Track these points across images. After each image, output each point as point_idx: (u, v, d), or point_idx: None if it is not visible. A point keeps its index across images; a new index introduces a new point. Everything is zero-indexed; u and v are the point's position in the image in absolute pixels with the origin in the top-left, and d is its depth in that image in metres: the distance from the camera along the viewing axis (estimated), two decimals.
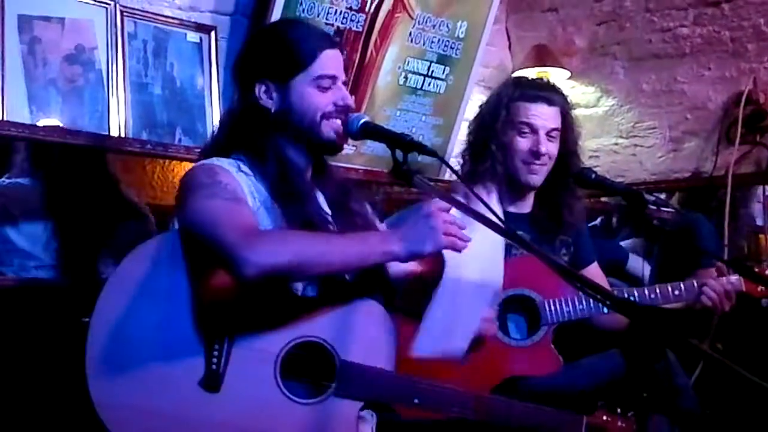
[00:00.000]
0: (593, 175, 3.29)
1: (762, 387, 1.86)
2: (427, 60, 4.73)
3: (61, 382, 2.60)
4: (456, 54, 4.82)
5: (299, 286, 2.41)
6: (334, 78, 2.52)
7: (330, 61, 2.51)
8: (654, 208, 4.45)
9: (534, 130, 3.12)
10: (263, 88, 2.52)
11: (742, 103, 4.53)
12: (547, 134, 3.14)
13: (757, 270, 3.15)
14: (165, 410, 2.24)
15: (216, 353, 2.28)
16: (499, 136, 3.13)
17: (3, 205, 3.68)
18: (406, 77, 4.69)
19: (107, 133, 3.67)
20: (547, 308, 3.05)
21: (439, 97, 4.83)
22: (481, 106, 3.32)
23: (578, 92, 5.16)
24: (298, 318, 2.37)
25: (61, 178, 3.79)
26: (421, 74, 4.73)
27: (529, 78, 3.40)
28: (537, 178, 3.16)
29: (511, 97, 3.17)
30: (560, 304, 3.05)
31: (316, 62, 2.49)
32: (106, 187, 3.93)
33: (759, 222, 5.07)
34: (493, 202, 3.11)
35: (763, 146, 4.56)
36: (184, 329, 2.28)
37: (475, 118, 3.31)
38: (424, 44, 4.68)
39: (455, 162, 4.65)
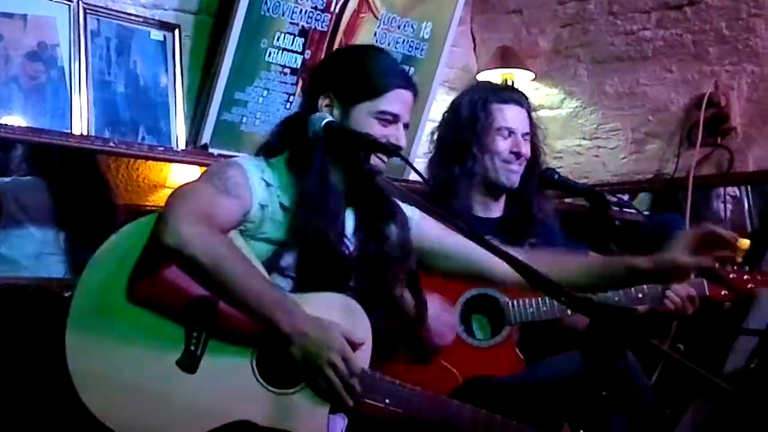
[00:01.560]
0: (556, 176, 3.32)
1: (720, 387, 1.89)
2: None
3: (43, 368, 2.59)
4: (421, 54, 4.83)
5: (276, 279, 2.41)
6: (396, 117, 2.54)
7: (400, 100, 2.53)
8: (616, 209, 4.50)
9: (512, 132, 3.15)
10: (326, 101, 2.54)
11: (704, 106, 4.58)
12: (523, 136, 3.17)
13: (734, 274, 3.16)
14: (140, 384, 2.26)
15: (195, 336, 2.30)
16: (480, 138, 3.15)
17: None
18: None
19: (69, 131, 3.64)
20: (511, 308, 3.06)
21: None
22: (451, 110, 3.31)
23: (542, 94, 5.19)
24: None
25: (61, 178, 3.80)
26: None
27: (494, 82, 3.44)
28: (515, 178, 3.19)
29: (485, 99, 3.18)
30: (524, 305, 3.06)
31: (386, 96, 2.51)
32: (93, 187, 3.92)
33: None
34: (476, 204, 3.15)
35: (723, 148, 4.61)
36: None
37: (448, 121, 3.29)
38: (389, 44, 4.68)
39: (420, 162, 4.67)
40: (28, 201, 3.73)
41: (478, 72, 5.33)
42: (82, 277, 2.30)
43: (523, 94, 3.30)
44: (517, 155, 3.14)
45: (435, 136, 3.37)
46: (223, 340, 2.34)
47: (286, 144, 2.58)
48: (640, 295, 3.12)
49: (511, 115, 3.17)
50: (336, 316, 2.40)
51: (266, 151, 2.60)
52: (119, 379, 2.24)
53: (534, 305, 3.06)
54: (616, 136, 5.07)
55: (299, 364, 2.32)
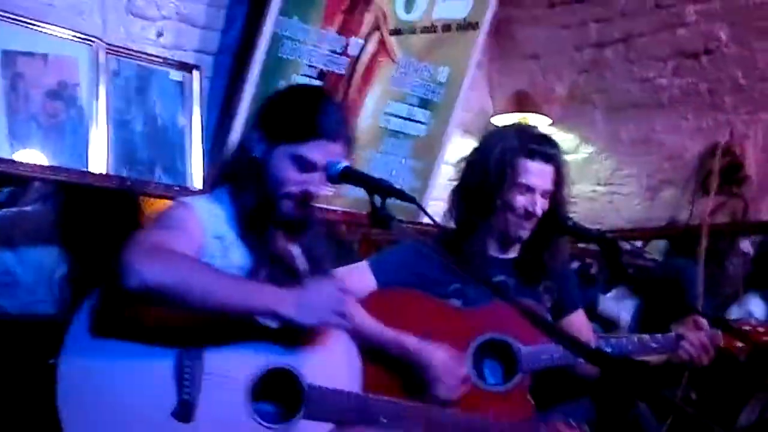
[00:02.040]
0: (569, 222, 3.31)
1: None
2: (408, 104, 4.78)
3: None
4: (437, 98, 4.87)
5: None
6: (314, 166, 2.52)
7: (322, 149, 2.51)
8: (630, 256, 4.50)
9: (531, 189, 3.13)
10: (256, 135, 2.56)
11: (719, 154, 4.58)
12: (542, 193, 3.15)
13: (748, 327, 3.15)
14: None
15: (187, 382, 2.29)
16: (504, 194, 3.14)
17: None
18: (387, 120, 4.73)
19: (87, 169, 3.68)
20: (525, 355, 3.05)
21: (419, 141, 4.87)
22: (480, 154, 3.27)
23: (557, 139, 5.13)
24: (266, 346, 2.39)
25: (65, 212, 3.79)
26: (402, 117, 4.78)
27: (529, 128, 3.40)
28: (525, 233, 3.16)
29: (514, 152, 3.15)
30: (537, 352, 3.05)
31: (308, 144, 2.50)
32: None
33: None
34: (491, 246, 3.15)
35: (738, 197, 4.60)
36: (154, 358, 2.29)
37: (475, 168, 3.25)
38: (406, 88, 4.73)
39: (433, 204, 4.68)
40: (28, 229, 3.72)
41: (493, 116, 5.36)
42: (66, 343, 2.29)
43: (556, 147, 3.26)
44: (529, 215, 3.13)
45: (460, 169, 3.35)
46: (214, 383, 2.32)
47: (224, 175, 2.62)
48: (654, 344, 3.10)
49: (533, 173, 3.14)
50: (324, 345, 2.44)
51: (214, 180, 2.65)
52: None
53: (548, 352, 3.04)
54: (630, 182, 5.08)
55: (310, 327, 2.36)
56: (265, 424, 2.36)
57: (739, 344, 3.10)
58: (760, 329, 3.10)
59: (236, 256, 2.47)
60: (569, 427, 2.68)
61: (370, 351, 2.85)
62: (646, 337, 3.10)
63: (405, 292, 3.04)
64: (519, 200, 3.11)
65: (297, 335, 2.41)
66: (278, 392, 2.40)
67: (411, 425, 2.54)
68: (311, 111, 2.53)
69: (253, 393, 2.36)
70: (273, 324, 2.39)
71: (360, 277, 3.07)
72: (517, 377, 3.02)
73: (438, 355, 2.84)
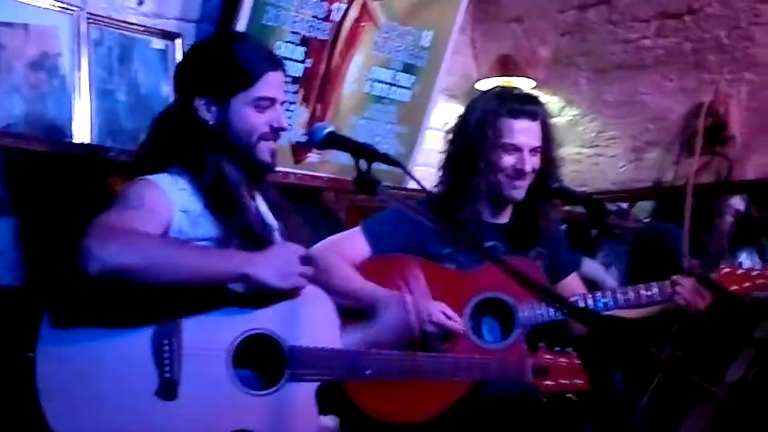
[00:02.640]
0: (555, 184, 3.31)
1: (717, 397, 1.90)
2: (392, 69, 4.76)
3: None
4: (421, 63, 4.85)
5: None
6: (273, 100, 2.55)
7: (272, 83, 2.54)
8: (616, 217, 4.52)
9: (518, 149, 3.13)
10: (203, 101, 2.53)
11: (703, 115, 4.60)
12: (530, 151, 3.15)
13: (728, 269, 3.17)
14: (127, 427, 2.24)
15: (167, 360, 2.28)
16: (487, 155, 3.13)
17: None
18: (371, 86, 4.72)
19: (71, 139, 3.66)
20: (521, 311, 3.06)
21: (404, 106, 4.86)
22: (463, 119, 3.28)
23: (542, 102, 5.19)
24: (240, 312, 2.39)
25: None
26: (386, 83, 4.76)
27: (510, 89, 3.39)
28: (520, 193, 3.16)
29: (495, 113, 3.15)
30: (534, 308, 3.06)
31: (258, 83, 2.51)
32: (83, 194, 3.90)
33: None
34: (484, 210, 3.15)
35: (722, 157, 4.62)
36: (130, 341, 2.28)
37: (459, 133, 3.25)
38: (389, 53, 4.71)
39: (420, 170, 4.68)
40: None
41: (478, 80, 5.35)
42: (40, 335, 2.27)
43: (538, 103, 3.26)
44: (520, 173, 3.13)
45: (447, 139, 3.35)
46: (194, 356, 2.32)
47: (175, 152, 2.55)
48: (649, 293, 3.11)
49: (518, 131, 3.14)
50: (301, 305, 2.44)
51: (156, 160, 2.56)
52: (108, 428, 2.22)
53: (544, 307, 3.06)
54: (615, 144, 5.09)
55: (278, 288, 2.35)
56: (252, 391, 2.36)
57: (734, 287, 3.11)
58: (739, 272, 3.12)
59: (205, 228, 2.45)
60: (553, 352, 2.71)
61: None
62: (640, 287, 3.12)
63: (399, 257, 3.05)
64: (506, 160, 3.11)
65: (269, 298, 2.40)
66: (260, 358, 2.40)
67: (397, 373, 2.56)
68: (245, 53, 2.54)
69: (235, 361, 2.35)
70: (240, 288, 2.39)
71: (353, 243, 3.08)
72: (515, 333, 3.03)
73: (438, 307, 2.88)
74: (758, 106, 4.58)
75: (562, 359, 2.68)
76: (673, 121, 4.85)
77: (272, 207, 2.65)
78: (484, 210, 3.18)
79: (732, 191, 4.70)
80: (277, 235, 2.58)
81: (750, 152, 4.61)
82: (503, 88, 3.51)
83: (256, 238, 2.49)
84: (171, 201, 2.43)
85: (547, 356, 2.69)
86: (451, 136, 3.28)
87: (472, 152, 3.13)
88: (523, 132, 3.12)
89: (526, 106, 3.15)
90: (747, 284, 3.14)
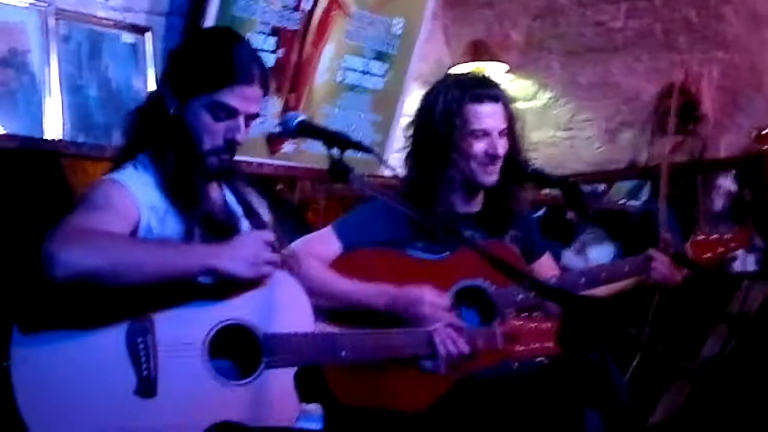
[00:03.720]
0: (530, 168, 3.32)
1: (697, 375, 1.92)
2: (364, 57, 4.76)
3: None
4: (393, 50, 4.85)
5: None
6: (234, 111, 2.45)
7: (238, 95, 2.44)
8: (592, 198, 4.54)
9: (487, 133, 3.12)
10: (168, 92, 2.48)
11: (675, 94, 4.62)
12: (499, 133, 3.15)
13: (702, 236, 3.19)
14: (109, 428, 2.22)
15: (143, 358, 2.27)
16: (458, 144, 3.12)
17: None
18: (343, 75, 4.71)
19: (43, 136, 3.64)
20: (499, 297, 3.07)
21: (377, 94, 4.86)
22: (426, 111, 3.26)
23: (516, 86, 5.22)
24: (211, 303, 2.37)
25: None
26: (358, 71, 4.76)
27: (468, 75, 3.39)
28: (493, 178, 3.15)
29: (459, 101, 3.14)
30: (512, 292, 3.06)
31: (221, 91, 2.42)
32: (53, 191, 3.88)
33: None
34: (456, 201, 3.15)
35: (695, 136, 4.65)
36: (104, 341, 2.26)
37: (422, 122, 3.24)
38: (361, 41, 4.71)
39: (396, 157, 4.68)
40: None
41: (451, 66, 5.35)
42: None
43: (498, 86, 3.26)
44: (493, 157, 3.12)
45: (409, 133, 3.34)
46: (170, 352, 2.31)
47: (141, 137, 2.51)
48: (626, 268, 3.13)
49: (485, 115, 3.13)
50: (272, 292, 2.42)
51: (128, 151, 2.53)
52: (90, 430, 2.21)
53: (522, 291, 3.06)
54: (589, 126, 5.12)
55: (246, 278, 2.33)
56: (230, 382, 2.35)
57: (707, 255, 3.13)
58: (712, 237, 3.15)
59: (172, 224, 2.42)
60: (522, 317, 2.72)
61: (354, 313, 2.88)
62: (617, 262, 3.15)
63: (372, 251, 3.04)
64: (478, 146, 3.10)
65: (239, 287, 2.38)
66: (235, 348, 2.39)
67: (372, 352, 2.56)
68: (221, 56, 2.45)
69: (211, 353, 2.34)
70: (208, 280, 2.36)
71: (324, 241, 3.06)
72: (496, 321, 3.03)
73: (425, 289, 2.88)
74: (729, 85, 4.61)
75: (531, 323, 2.67)
76: (646, 101, 4.88)
77: (240, 200, 2.62)
78: (457, 200, 3.17)
79: (705, 170, 4.73)
80: (244, 223, 2.55)
81: (722, 130, 4.65)
82: (460, 74, 3.50)
83: (219, 228, 2.46)
84: (137, 199, 2.40)
85: (516, 322, 2.68)
86: (414, 128, 3.26)
87: (440, 143, 3.11)
88: (490, 116, 3.11)
89: (488, 90, 3.15)
90: (721, 249, 3.17)
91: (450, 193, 3.13)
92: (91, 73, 3.87)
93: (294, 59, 4.48)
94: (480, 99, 3.11)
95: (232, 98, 2.43)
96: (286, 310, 2.47)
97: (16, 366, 2.20)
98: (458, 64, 5.23)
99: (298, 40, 4.46)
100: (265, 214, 2.64)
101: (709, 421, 2.95)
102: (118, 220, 2.34)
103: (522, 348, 2.65)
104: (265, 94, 2.54)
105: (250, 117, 2.50)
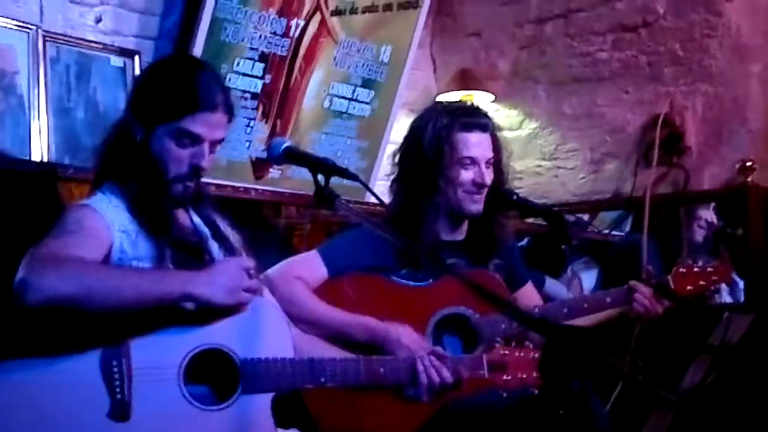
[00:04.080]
0: (514, 196, 3.33)
1: (677, 405, 1.93)
2: (352, 84, 4.78)
3: None
4: (381, 78, 4.88)
5: None
6: (197, 137, 2.45)
7: (201, 122, 2.44)
8: (577, 229, 4.56)
9: (475, 162, 3.13)
10: (132, 119, 2.49)
11: (659, 126, 4.66)
12: (486, 163, 3.16)
13: (684, 268, 3.22)
14: None
15: (117, 382, 2.26)
16: (445, 172, 3.13)
17: None
18: (331, 101, 4.73)
19: (29, 157, 3.64)
20: (483, 326, 3.07)
21: (364, 121, 4.88)
22: (414, 138, 3.25)
23: (502, 115, 5.24)
24: (189, 329, 2.36)
25: None
26: (346, 98, 4.78)
27: (457, 104, 3.41)
28: (479, 207, 3.16)
29: (448, 128, 3.15)
30: (496, 321, 3.06)
31: (185, 119, 2.43)
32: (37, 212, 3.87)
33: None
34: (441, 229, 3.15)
35: (679, 167, 4.68)
36: (78, 365, 2.25)
37: (411, 149, 3.25)
38: (348, 68, 4.73)
39: (381, 184, 4.69)
40: None
41: (438, 94, 5.38)
42: None
43: (487, 116, 3.27)
44: (480, 186, 3.13)
45: (396, 159, 3.34)
46: (145, 376, 2.30)
47: (108, 164, 2.53)
48: (608, 299, 3.15)
49: (473, 144, 3.14)
50: (250, 317, 2.41)
51: (98, 179, 2.54)
52: None
53: (506, 320, 3.05)
54: (574, 156, 5.14)
55: (224, 305, 2.32)
56: (206, 407, 2.34)
57: (689, 288, 3.16)
58: (695, 269, 3.18)
59: (143, 246, 2.42)
60: (509, 347, 2.71)
61: (333, 339, 2.87)
62: (599, 293, 3.16)
63: (357, 276, 3.04)
64: (465, 175, 3.11)
65: (216, 313, 2.37)
66: (212, 373, 2.38)
67: (352, 379, 2.55)
68: (184, 83, 2.45)
69: (186, 378, 2.33)
70: (190, 306, 2.35)
71: (310, 266, 3.06)
72: (479, 349, 3.02)
73: (404, 330, 2.89)
74: (713, 117, 4.65)
75: (519, 353, 2.67)
76: (631, 132, 4.90)
77: (207, 223, 2.61)
78: (441, 228, 3.17)
79: (688, 201, 4.75)
80: (212, 244, 2.55)
81: (706, 162, 4.68)
82: (449, 102, 3.52)
83: (191, 250, 2.47)
84: (109, 222, 2.40)
85: (503, 351, 2.68)
86: (401, 154, 3.26)
87: (428, 169, 3.12)
88: (478, 145, 3.13)
89: (477, 119, 3.17)
90: (702, 282, 3.20)
91: (435, 221, 3.14)
92: (79, 95, 3.88)
93: (281, 85, 4.50)
94: (469, 128, 3.12)
95: (195, 126, 2.44)
96: (266, 336, 2.46)
97: None
98: (445, 92, 5.26)
99: (286, 66, 4.48)
100: (233, 236, 2.63)
101: None
102: (90, 243, 2.33)
103: (508, 378, 2.66)
104: (230, 119, 2.55)
105: (215, 143, 2.51)
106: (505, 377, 2.65)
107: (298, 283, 2.96)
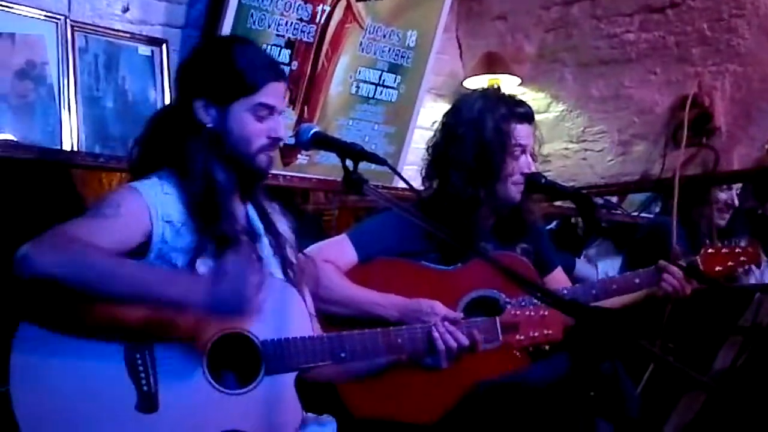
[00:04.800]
0: (543, 180, 3.33)
1: (709, 387, 1.92)
2: (378, 69, 4.79)
3: None
4: (407, 63, 4.87)
5: (198, 268, 2.39)
6: (272, 109, 2.51)
7: (273, 92, 2.51)
8: (607, 211, 4.55)
9: (524, 152, 3.16)
10: (201, 103, 2.50)
11: (688, 107, 4.63)
12: (531, 154, 3.19)
13: (712, 249, 3.21)
14: None
15: (143, 374, 2.27)
16: (506, 161, 3.15)
17: None
18: (357, 86, 4.74)
19: (60, 147, 3.67)
20: (511, 307, 3.07)
21: (391, 106, 4.88)
22: (469, 125, 3.23)
23: (529, 98, 5.21)
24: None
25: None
26: (372, 83, 4.78)
27: (503, 92, 3.42)
28: (520, 196, 3.19)
29: (508, 119, 3.16)
30: (526, 303, 3.07)
31: (260, 91, 2.48)
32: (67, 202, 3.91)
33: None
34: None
35: (708, 148, 4.65)
36: (102, 358, 2.26)
37: (467, 137, 3.22)
38: (375, 54, 4.73)
39: (408, 169, 4.70)
40: None
41: (464, 78, 5.38)
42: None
43: (530, 108, 3.31)
44: (525, 176, 3.16)
45: (439, 147, 3.31)
46: (169, 366, 2.31)
47: (167, 153, 2.53)
48: (636, 280, 3.14)
49: (525, 135, 3.17)
50: (267, 299, 2.38)
51: (147, 164, 2.54)
52: None
53: (535, 301, 3.06)
54: (602, 138, 5.12)
55: (216, 319, 2.30)
56: (230, 391, 2.36)
57: (718, 268, 3.15)
58: (724, 251, 3.17)
59: (187, 237, 2.42)
60: (521, 307, 2.71)
61: (364, 321, 2.89)
62: (629, 274, 3.16)
63: (387, 261, 3.06)
64: (517, 165, 3.13)
65: None
66: (235, 357, 2.39)
67: (372, 353, 2.54)
68: (249, 59, 2.51)
69: (210, 364, 2.35)
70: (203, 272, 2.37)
71: (340, 250, 3.08)
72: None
73: (436, 303, 2.89)
74: (742, 97, 4.62)
75: (529, 312, 2.67)
76: (659, 114, 4.88)
77: (262, 216, 2.64)
78: (483, 213, 3.19)
79: (719, 182, 4.72)
80: (264, 244, 2.57)
81: (735, 143, 4.65)
82: (497, 91, 3.53)
83: (233, 246, 2.45)
84: (153, 210, 2.40)
85: (515, 312, 2.68)
86: (447, 140, 3.24)
87: (491, 160, 3.12)
88: (527, 135, 3.16)
89: (527, 108, 3.20)
90: (730, 263, 3.19)
91: (481, 208, 3.15)
92: (108, 84, 3.91)
93: (308, 71, 4.51)
94: (521, 119, 3.15)
95: (269, 97, 2.49)
96: (284, 317, 2.47)
97: (15, 391, 2.20)
98: (471, 76, 5.25)
99: (313, 52, 4.49)
100: (286, 231, 2.65)
101: None
102: (123, 229, 2.35)
103: (521, 337, 2.65)
104: (287, 88, 2.66)
105: (281, 113, 2.56)
106: (518, 337, 2.64)
107: (328, 266, 2.98)
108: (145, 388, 2.27)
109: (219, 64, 2.52)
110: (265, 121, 2.50)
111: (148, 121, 2.62)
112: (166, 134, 2.54)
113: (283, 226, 2.65)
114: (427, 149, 3.30)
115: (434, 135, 3.30)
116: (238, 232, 2.50)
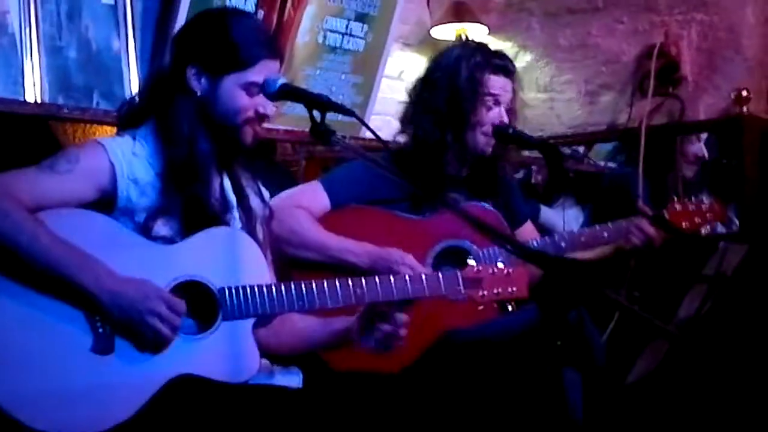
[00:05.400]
0: (510, 130, 3.34)
1: (673, 336, 1.95)
2: (345, 18, 4.74)
3: None
4: (374, 11, 4.83)
5: (157, 227, 2.42)
6: (260, 86, 2.52)
7: (265, 70, 2.52)
8: (573, 161, 4.57)
9: (497, 104, 3.17)
10: (194, 71, 2.52)
11: (654, 56, 4.64)
12: (505, 108, 3.20)
13: (679, 205, 3.25)
14: (68, 386, 2.24)
15: (98, 316, 2.29)
16: (476, 110, 3.15)
17: None
18: (324, 36, 4.70)
19: (23, 98, 3.62)
20: (482, 256, 3.10)
21: (358, 56, 4.85)
22: (443, 72, 3.24)
23: (496, 47, 5.19)
24: (166, 262, 2.41)
25: None
26: (339, 32, 4.74)
27: (485, 44, 3.41)
28: (491, 149, 3.21)
29: (482, 68, 3.17)
30: (495, 254, 3.09)
31: (254, 68, 2.50)
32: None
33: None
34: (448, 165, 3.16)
35: (675, 98, 4.67)
36: (58, 301, 2.28)
37: (442, 84, 3.23)
38: (342, 3, 4.69)
39: (375, 119, 4.69)
40: None
41: (432, 27, 5.35)
42: None
43: (512, 62, 3.32)
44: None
45: (416, 94, 3.31)
46: None
47: (151, 111, 2.55)
48: (605, 233, 3.18)
49: (500, 86, 3.18)
50: (224, 247, 2.45)
51: (131, 120, 2.57)
52: (46, 389, 2.22)
53: (504, 253, 3.08)
54: (569, 88, 5.13)
55: (116, 321, 2.30)
56: (188, 336, 2.38)
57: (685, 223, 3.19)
58: (691, 207, 3.20)
59: (150, 197, 2.45)
60: (485, 264, 2.73)
61: (336, 267, 2.90)
62: (595, 227, 3.19)
63: (359, 208, 3.08)
64: (488, 116, 3.14)
65: (192, 246, 2.43)
66: (192, 303, 2.40)
67: (330, 301, 2.54)
68: (247, 34, 2.54)
69: None
70: (168, 232, 2.42)
71: (313, 196, 3.09)
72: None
73: (408, 257, 2.92)
74: (709, 47, 4.64)
75: (493, 270, 2.69)
76: (626, 63, 4.90)
77: (236, 189, 2.63)
78: (451, 163, 3.20)
79: (684, 132, 4.75)
80: (234, 216, 2.58)
81: (701, 92, 4.68)
82: (479, 42, 3.52)
83: (202, 215, 2.48)
84: (119, 167, 2.42)
85: (477, 268, 2.70)
86: (424, 88, 3.26)
87: (461, 107, 3.14)
88: (503, 88, 3.18)
89: (506, 62, 3.22)
90: (697, 220, 3.22)
91: (447, 157, 3.16)
92: (70, 34, 3.84)
93: (274, 20, 4.46)
94: (497, 70, 3.16)
95: (261, 74, 2.51)
96: (241, 264, 2.50)
97: None
98: (438, 24, 5.22)
99: (279, 1, 4.44)
100: (259, 208, 2.65)
101: (685, 380, 3.00)
102: (75, 185, 2.37)
103: (485, 293, 2.67)
104: (281, 66, 2.63)
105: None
106: (481, 293, 2.66)
107: (300, 212, 3.00)
108: (101, 330, 2.29)
109: (215, 34, 2.54)
110: (255, 96, 2.52)
111: (142, 83, 2.64)
112: (157, 96, 2.56)
113: (256, 202, 2.66)
114: (408, 95, 3.32)
115: (414, 81, 3.32)
116: (210, 197, 2.51)
